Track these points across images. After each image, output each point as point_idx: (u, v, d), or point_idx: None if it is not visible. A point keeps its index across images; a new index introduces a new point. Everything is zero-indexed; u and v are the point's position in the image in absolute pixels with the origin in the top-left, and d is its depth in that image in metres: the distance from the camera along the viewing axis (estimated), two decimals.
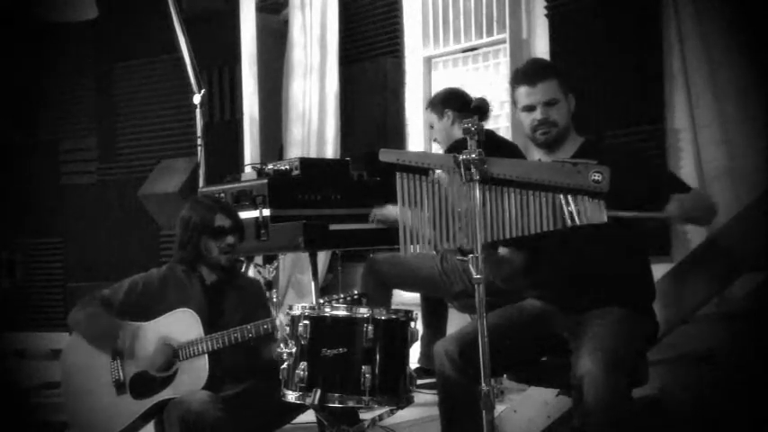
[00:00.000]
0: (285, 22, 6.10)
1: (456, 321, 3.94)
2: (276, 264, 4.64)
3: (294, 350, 2.60)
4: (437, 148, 4.24)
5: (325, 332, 2.58)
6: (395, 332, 2.62)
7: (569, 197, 2.29)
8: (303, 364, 2.55)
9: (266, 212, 4.01)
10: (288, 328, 2.66)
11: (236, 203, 4.02)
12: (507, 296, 2.83)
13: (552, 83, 2.69)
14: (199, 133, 4.73)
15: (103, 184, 6.29)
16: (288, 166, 4.22)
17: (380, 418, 2.79)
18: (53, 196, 6.36)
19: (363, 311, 2.58)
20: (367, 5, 5.86)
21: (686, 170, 4.27)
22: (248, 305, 3.17)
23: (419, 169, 2.35)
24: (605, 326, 2.52)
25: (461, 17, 5.50)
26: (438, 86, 5.58)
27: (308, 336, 2.57)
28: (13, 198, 6.16)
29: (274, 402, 2.69)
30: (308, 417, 2.99)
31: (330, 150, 5.75)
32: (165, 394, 2.97)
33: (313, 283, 4.11)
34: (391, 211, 4.10)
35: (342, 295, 2.73)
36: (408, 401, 2.65)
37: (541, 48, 4.89)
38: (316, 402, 2.51)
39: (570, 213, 2.29)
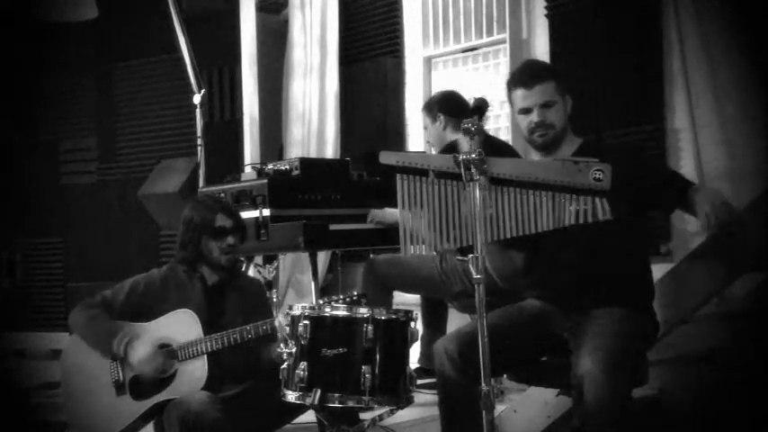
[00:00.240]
0: (285, 21, 6.10)
1: (456, 321, 3.94)
2: (276, 264, 4.64)
3: (294, 350, 2.59)
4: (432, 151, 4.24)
5: (325, 332, 2.58)
6: (395, 332, 2.61)
7: (570, 196, 2.29)
8: (303, 364, 2.54)
9: (266, 212, 4.01)
10: (288, 329, 2.66)
11: (237, 203, 4.02)
12: (507, 296, 2.83)
13: (549, 85, 2.69)
14: (199, 133, 4.73)
15: (103, 184, 6.29)
16: (288, 166, 4.22)
17: (380, 418, 2.79)
18: (53, 196, 6.36)
19: (363, 311, 2.57)
20: (367, 5, 5.87)
21: (686, 170, 4.27)
22: (249, 305, 3.17)
23: (419, 171, 2.35)
24: (605, 326, 2.52)
25: (461, 17, 5.50)
26: (438, 86, 5.60)
27: (308, 336, 2.57)
28: (13, 198, 6.15)
29: (274, 403, 2.69)
30: (308, 417, 2.99)
31: (330, 150, 5.75)
32: (165, 395, 2.97)
33: (313, 283, 4.11)
34: (389, 214, 4.10)
35: (341, 296, 2.73)
36: (408, 401, 2.64)
37: (541, 48, 4.89)
38: (316, 402, 2.50)
39: (571, 212, 2.29)
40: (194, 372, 2.96)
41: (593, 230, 2.35)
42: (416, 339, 2.69)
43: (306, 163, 4.28)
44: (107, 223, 6.19)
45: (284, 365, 2.62)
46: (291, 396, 2.56)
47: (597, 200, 2.28)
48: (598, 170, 2.28)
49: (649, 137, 4.35)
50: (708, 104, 4.14)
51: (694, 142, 4.20)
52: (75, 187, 6.37)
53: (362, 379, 2.51)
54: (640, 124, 4.38)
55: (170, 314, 3.06)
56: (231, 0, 5.87)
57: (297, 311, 2.62)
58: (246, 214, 3.83)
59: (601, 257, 2.65)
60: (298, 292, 5.74)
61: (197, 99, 4.68)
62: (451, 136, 3.97)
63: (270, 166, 4.25)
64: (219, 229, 3.15)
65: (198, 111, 4.71)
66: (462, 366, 2.55)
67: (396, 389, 2.59)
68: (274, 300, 4.42)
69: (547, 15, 4.84)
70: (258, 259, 4.62)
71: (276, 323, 2.91)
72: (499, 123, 5.28)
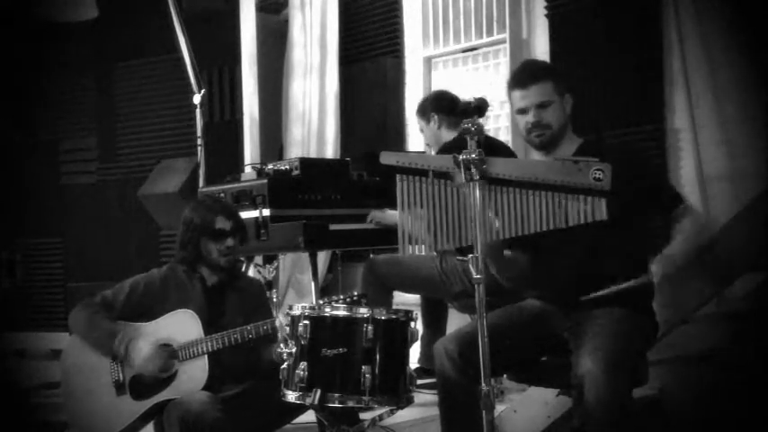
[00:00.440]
0: (285, 21, 6.10)
1: (456, 321, 3.94)
2: (276, 264, 4.64)
3: (294, 350, 2.59)
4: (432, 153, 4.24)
5: (325, 332, 2.58)
6: (395, 332, 2.61)
7: (570, 196, 2.29)
8: (303, 364, 2.54)
9: (266, 212, 4.01)
10: (288, 329, 2.66)
11: (236, 203, 4.02)
12: (507, 296, 2.83)
13: (545, 85, 2.69)
14: (199, 133, 4.73)
15: (103, 184, 6.28)
16: (288, 166, 4.22)
17: (380, 418, 2.79)
18: (53, 196, 6.36)
19: (363, 311, 2.57)
20: (367, 5, 5.87)
21: (686, 170, 4.28)
22: (249, 306, 3.17)
23: (419, 171, 2.35)
24: (605, 326, 2.52)
25: (461, 17, 5.50)
26: (438, 86, 5.59)
27: (308, 336, 2.57)
28: (13, 198, 6.15)
29: (274, 403, 2.69)
30: (308, 417, 2.99)
31: (330, 150, 5.75)
32: (165, 395, 2.97)
33: (313, 283, 4.12)
34: (389, 215, 4.10)
35: (341, 296, 2.73)
36: (408, 401, 2.64)
37: (541, 48, 4.89)
38: (316, 402, 2.50)
39: (570, 212, 2.29)
40: (195, 372, 2.96)
41: (592, 230, 2.34)
42: (416, 339, 2.69)
43: (306, 163, 4.28)
44: (107, 223, 6.19)
45: (284, 365, 2.62)
46: (291, 396, 2.56)
47: (597, 200, 2.28)
48: (598, 170, 2.28)
49: (649, 137, 4.35)
50: (708, 104, 4.14)
51: (694, 142, 4.20)
52: (75, 187, 6.37)
53: (362, 379, 2.51)
54: (640, 124, 4.38)
55: (170, 314, 3.06)
56: (231, 0, 5.87)
57: (297, 311, 2.62)
58: (246, 214, 3.83)
59: (601, 257, 2.65)
60: (298, 292, 5.74)
61: (197, 99, 4.68)
62: (447, 135, 3.97)
63: (270, 166, 4.25)
64: (219, 231, 3.14)
65: (198, 111, 4.71)
66: (462, 366, 2.55)
67: (396, 389, 2.59)
68: (274, 300, 4.42)
69: (547, 15, 4.84)
70: (258, 259, 4.62)
71: (276, 323, 2.91)
72: (499, 123, 5.28)
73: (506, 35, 5.07)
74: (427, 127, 4.04)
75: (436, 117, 3.99)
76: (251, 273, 4.49)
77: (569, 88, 2.75)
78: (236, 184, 4.23)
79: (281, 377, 2.62)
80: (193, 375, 2.95)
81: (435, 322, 4.04)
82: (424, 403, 3.37)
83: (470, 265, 2.24)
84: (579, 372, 2.37)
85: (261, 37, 5.96)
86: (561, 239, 2.45)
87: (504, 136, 5.18)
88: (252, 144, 5.83)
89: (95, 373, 3.08)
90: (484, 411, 2.23)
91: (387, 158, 2.40)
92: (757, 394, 3.06)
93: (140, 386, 3.03)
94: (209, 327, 3.01)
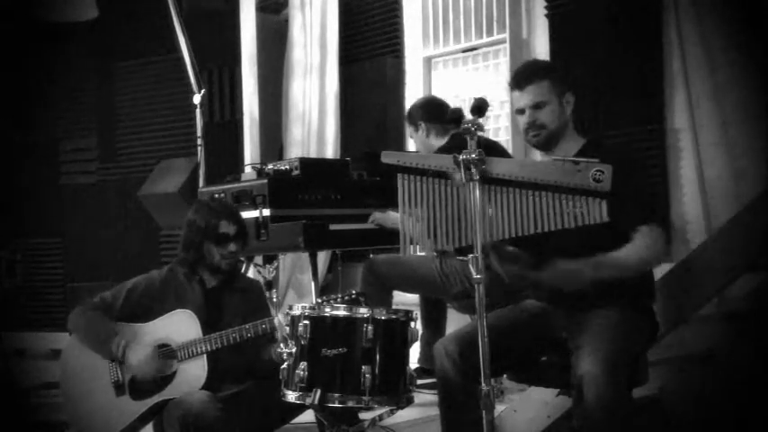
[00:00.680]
0: (285, 21, 6.10)
1: (456, 321, 3.94)
2: (276, 264, 4.64)
3: (294, 350, 2.59)
4: None
5: (325, 332, 2.58)
6: (395, 332, 2.61)
7: (569, 197, 2.29)
8: (303, 364, 2.54)
9: (266, 212, 4.01)
10: (288, 328, 2.66)
11: (237, 203, 4.02)
12: (508, 296, 2.83)
13: (541, 85, 2.69)
14: (199, 133, 4.73)
15: (103, 184, 6.29)
16: (288, 166, 4.22)
17: (380, 418, 2.79)
18: (53, 196, 6.36)
19: (363, 311, 2.57)
20: (367, 5, 5.87)
21: (686, 170, 4.28)
22: (249, 308, 3.17)
23: (420, 171, 2.35)
24: (605, 326, 2.52)
25: (461, 17, 5.50)
26: (438, 86, 5.60)
27: (308, 336, 2.57)
28: (13, 198, 6.15)
29: (274, 402, 2.69)
30: (308, 417, 2.99)
31: (330, 150, 5.75)
32: (165, 395, 2.97)
33: (313, 283, 4.12)
34: (391, 216, 4.10)
35: (340, 295, 2.73)
36: (408, 401, 2.64)
37: (541, 48, 4.89)
38: (316, 402, 2.50)
39: (570, 213, 2.28)
40: (194, 371, 2.96)
41: (592, 230, 2.34)
42: (416, 339, 2.69)
43: (306, 163, 4.28)
44: (107, 223, 6.19)
45: (284, 365, 2.62)
46: (291, 396, 2.56)
47: (597, 201, 2.27)
48: (598, 171, 2.27)
49: (649, 137, 4.35)
50: (708, 104, 4.14)
51: (694, 142, 4.20)
52: (75, 187, 6.37)
53: (362, 379, 2.51)
54: (640, 124, 4.38)
55: (169, 314, 3.07)
56: (231, 0, 5.87)
57: (297, 311, 2.62)
58: (246, 214, 3.83)
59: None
60: (298, 292, 5.74)
61: (197, 99, 4.69)
62: (435, 142, 3.96)
63: (270, 166, 4.26)
64: (223, 236, 3.14)
65: (198, 111, 4.71)
66: (462, 367, 2.55)
67: (396, 389, 2.59)
68: (274, 300, 4.42)
69: (547, 15, 4.84)
70: (258, 259, 4.62)
71: (276, 322, 2.91)
72: (499, 123, 5.28)
73: (506, 35, 5.07)
74: (416, 134, 4.04)
75: (424, 125, 3.98)
76: (251, 273, 4.50)
77: (570, 88, 2.74)
78: (236, 184, 4.23)
79: (281, 377, 2.62)
80: (192, 375, 2.95)
81: (435, 322, 4.04)
82: (424, 403, 3.37)
83: (470, 265, 2.24)
84: (578, 372, 2.37)
85: (261, 37, 5.96)
86: (560, 240, 2.44)
87: (504, 136, 5.18)
88: (252, 144, 5.83)
89: (95, 373, 3.08)
90: (484, 411, 2.23)
91: (388, 158, 2.40)
92: (757, 394, 3.05)
93: (140, 386, 3.03)
94: (208, 328, 3.01)
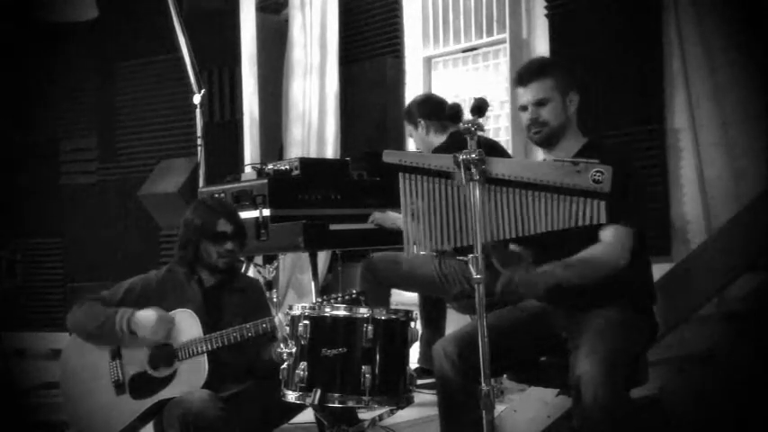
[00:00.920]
0: (285, 21, 6.10)
1: (456, 321, 3.94)
2: (276, 264, 4.64)
3: (294, 350, 2.59)
4: None
5: (325, 332, 2.58)
6: (395, 332, 2.61)
7: (568, 197, 2.28)
8: (303, 364, 2.54)
9: (266, 212, 4.01)
10: (288, 328, 2.66)
11: (237, 203, 4.02)
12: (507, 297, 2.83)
13: (544, 82, 2.69)
14: (199, 133, 4.73)
15: (103, 184, 6.29)
16: (288, 166, 4.23)
17: (380, 418, 2.79)
18: (53, 196, 6.36)
19: (363, 311, 2.57)
20: (367, 5, 5.86)
21: (686, 170, 4.28)
22: (249, 307, 3.16)
23: (421, 170, 2.36)
24: (604, 326, 2.52)
25: (461, 17, 5.49)
26: (438, 86, 5.60)
27: (308, 336, 2.57)
28: (13, 198, 6.15)
29: (274, 402, 2.69)
30: (308, 417, 2.99)
31: (330, 150, 5.75)
32: (165, 394, 2.97)
33: (313, 283, 4.12)
34: (390, 216, 4.10)
35: (340, 294, 2.73)
36: (408, 401, 2.64)
37: (541, 48, 4.89)
38: (316, 402, 2.50)
39: (570, 214, 2.28)
40: (194, 371, 2.96)
41: (591, 230, 2.34)
42: (416, 339, 2.69)
43: (306, 163, 4.28)
44: (107, 223, 6.19)
45: (284, 365, 2.62)
46: (291, 396, 2.56)
47: (596, 202, 2.27)
48: (598, 171, 2.27)
49: (649, 137, 4.35)
50: (708, 104, 4.14)
51: (694, 142, 4.20)
52: (75, 187, 6.37)
53: (362, 379, 2.51)
54: (640, 124, 4.38)
55: (170, 314, 3.06)
56: (231, 0, 5.87)
57: (297, 311, 2.62)
58: (246, 214, 3.83)
59: None
60: (298, 292, 5.74)
61: (197, 99, 4.69)
62: (435, 139, 3.96)
63: (270, 166, 4.26)
64: (220, 235, 3.14)
65: (198, 111, 4.71)
66: (462, 368, 2.55)
67: (396, 389, 2.59)
68: (274, 300, 4.42)
69: (547, 15, 4.84)
70: (258, 259, 4.62)
71: (276, 321, 2.91)
72: (499, 123, 5.28)
73: (506, 35, 5.06)
74: (415, 132, 4.05)
75: (423, 123, 3.98)
76: (251, 273, 4.49)
77: (575, 86, 2.74)
78: (236, 184, 4.23)
79: (281, 377, 2.62)
80: (193, 374, 2.95)
81: (435, 322, 4.04)
82: (424, 403, 3.37)
83: (470, 265, 2.24)
84: (577, 372, 2.37)
85: (261, 37, 5.96)
86: (560, 240, 2.44)
87: (504, 136, 5.18)
88: (252, 144, 5.83)
89: (95, 372, 3.09)
90: (484, 411, 2.23)
91: (389, 157, 2.41)
92: (757, 394, 3.05)
93: (140, 385, 3.03)
94: (209, 327, 3.01)
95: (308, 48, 5.88)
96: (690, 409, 3.20)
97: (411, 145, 5.70)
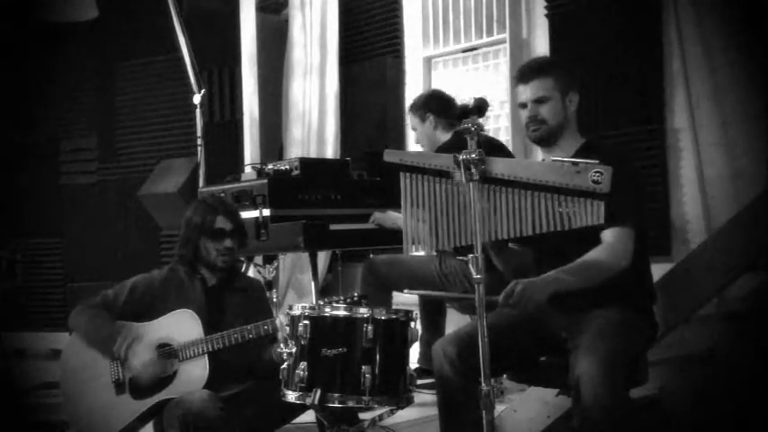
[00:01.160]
0: (285, 21, 6.11)
1: (455, 321, 3.94)
2: (276, 264, 4.64)
3: (294, 350, 2.59)
4: None
5: (325, 332, 2.58)
6: (395, 332, 2.61)
7: (568, 198, 2.28)
8: (303, 364, 2.54)
9: (266, 212, 4.01)
10: (288, 329, 2.66)
11: (237, 203, 4.02)
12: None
13: (545, 80, 2.70)
14: (199, 133, 4.73)
15: (103, 184, 6.29)
16: (288, 166, 4.23)
17: (380, 418, 2.79)
18: (53, 196, 6.36)
19: (363, 311, 2.57)
20: (367, 5, 5.87)
21: (686, 170, 4.28)
22: (250, 307, 3.17)
23: (422, 169, 2.36)
24: (603, 326, 2.52)
25: (461, 17, 5.50)
26: (438, 86, 5.59)
27: (308, 336, 2.57)
28: (13, 198, 6.16)
29: (274, 402, 2.69)
30: (308, 417, 2.99)
31: (330, 150, 5.75)
32: (165, 394, 2.97)
33: (313, 283, 4.12)
34: (391, 216, 4.10)
35: (342, 297, 2.73)
36: (408, 401, 2.64)
37: (541, 48, 4.89)
38: (316, 402, 2.50)
39: (568, 215, 2.28)
40: (195, 371, 2.96)
41: (591, 231, 2.34)
42: (416, 339, 2.69)
43: (306, 163, 4.28)
44: (107, 223, 6.19)
45: (284, 365, 2.62)
46: (291, 396, 2.56)
47: (595, 203, 2.27)
48: (597, 172, 2.27)
49: (649, 137, 4.35)
50: (708, 104, 4.14)
51: (694, 142, 4.20)
52: (75, 187, 6.37)
53: (362, 379, 2.51)
54: (640, 124, 4.38)
55: (171, 314, 3.06)
56: (231, 0, 5.88)
57: (297, 311, 2.62)
58: (246, 214, 3.83)
59: None
60: (298, 292, 5.74)
61: (197, 99, 4.69)
62: (442, 136, 3.96)
63: (270, 166, 4.26)
64: (218, 232, 3.14)
65: (198, 111, 4.71)
66: (461, 368, 2.55)
67: (396, 389, 2.59)
68: (274, 300, 4.42)
69: (547, 15, 4.84)
70: (258, 259, 4.62)
71: (276, 322, 2.91)
72: (499, 123, 5.28)
73: (506, 35, 5.07)
74: (422, 126, 4.04)
75: (432, 117, 3.98)
76: (251, 273, 4.49)
77: (575, 86, 2.74)
78: (236, 184, 4.23)
79: (281, 377, 2.62)
80: (193, 375, 2.95)
81: (435, 322, 4.04)
82: (424, 403, 3.37)
83: (470, 265, 2.24)
84: (577, 372, 2.37)
85: (261, 37, 5.96)
86: (560, 240, 2.44)
87: (504, 136, 5.18)
88: (252, 144, 5.83)
89: (95, 372, 3.08)
90: (484, 411, 2.23)
91: (390, 156, 2.41)
92: (757, 394, 3.05)
93: (140, 386, 3.03)
94: (210, 327, 3.01)
95: (308, 48, 5.88)
96: (690, 409, 3.20)
97: (411, 145, 5.71)
